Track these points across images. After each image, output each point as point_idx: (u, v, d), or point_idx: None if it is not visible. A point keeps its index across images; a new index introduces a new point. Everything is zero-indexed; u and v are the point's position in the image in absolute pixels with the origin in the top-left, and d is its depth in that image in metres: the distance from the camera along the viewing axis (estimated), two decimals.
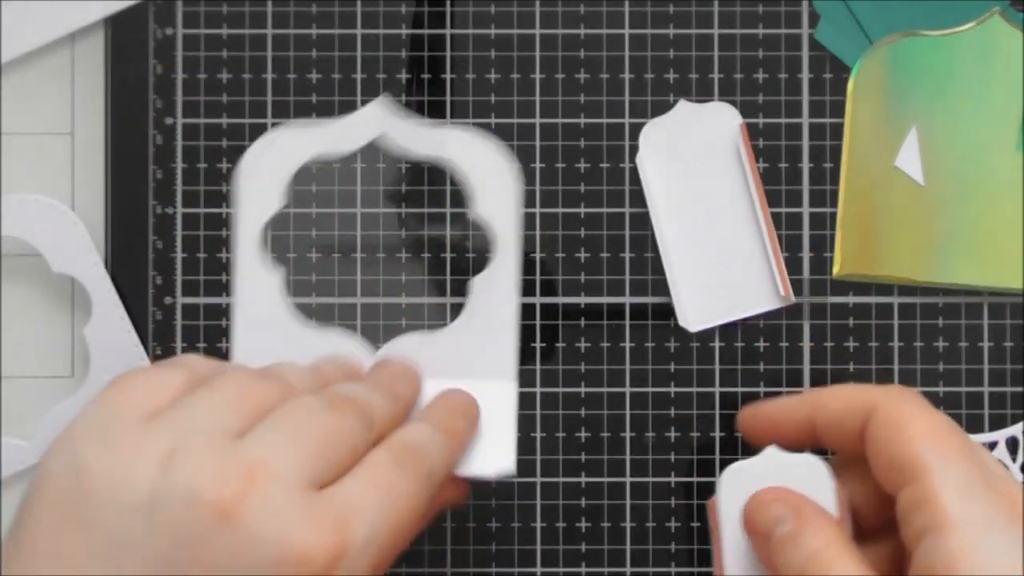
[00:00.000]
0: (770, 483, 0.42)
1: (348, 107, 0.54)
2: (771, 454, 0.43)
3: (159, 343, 0.54)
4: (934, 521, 0.39)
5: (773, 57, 0.54)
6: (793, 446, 0.43)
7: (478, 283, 0.50)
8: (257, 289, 0.49)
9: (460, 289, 0.54)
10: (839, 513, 0.42)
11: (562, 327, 0.54)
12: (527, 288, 0.54)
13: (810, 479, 0.42)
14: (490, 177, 0.50)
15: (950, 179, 0.54)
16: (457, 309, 0.54)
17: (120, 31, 0.54)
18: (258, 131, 0.54)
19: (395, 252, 0.54)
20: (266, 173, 0.49)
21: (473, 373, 0.49)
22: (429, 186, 0.54)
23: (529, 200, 0.54)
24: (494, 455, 0.48)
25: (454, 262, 0.54)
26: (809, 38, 0.54)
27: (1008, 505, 0.39)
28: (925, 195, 0.54)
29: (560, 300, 0.54)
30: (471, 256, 0.54)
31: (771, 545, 0.41)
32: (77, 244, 0.53)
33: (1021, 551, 0.38)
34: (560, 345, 0.54)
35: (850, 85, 0.54)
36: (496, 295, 0.50)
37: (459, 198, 0.53)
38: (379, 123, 0.49)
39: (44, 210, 0.54)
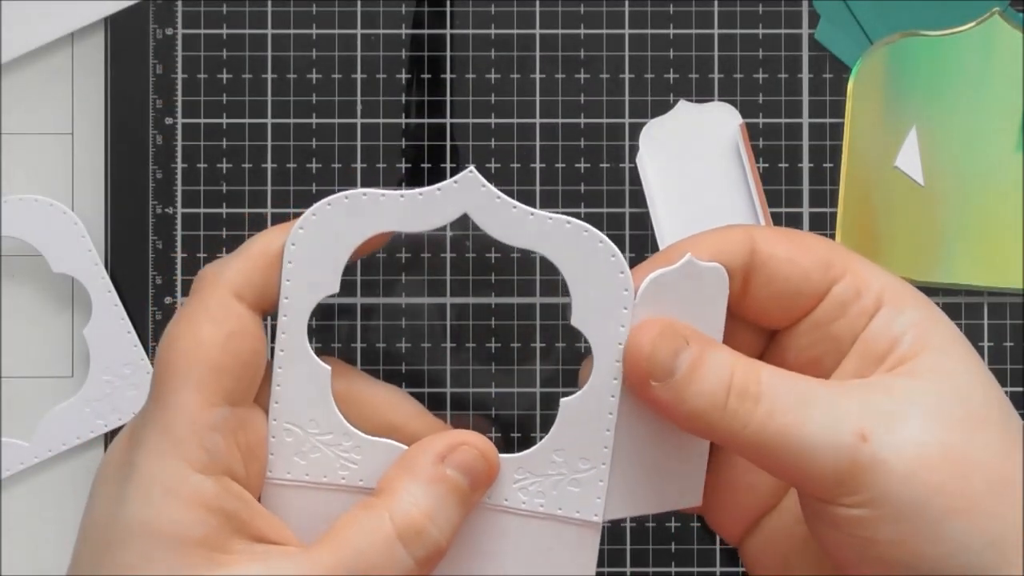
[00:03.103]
0: (685, 291, 0.41)
1: (348, 107, 0.54)
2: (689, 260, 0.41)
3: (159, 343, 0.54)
4: (888, 298, 0.41)
5: (773, 57, 0.54)
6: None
7: (567, 407, 0.41)
8: (302, 390, 0.42)
9: (461, 289, 0.54)
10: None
11: (562, 327, 0.54)
12: (527, 288, 0.54)
13: (716, 288, 0.41)
14: (594, 285, 0.41)
15: (950, 179, 0.54)
16: (457, 309, 0.54)
17: (120, 31, 0.54)
18: (258, 131, 0.54)
19: (395, 252, 0.54)
20: (320, 248, 0.41)
21: (552, 510, 0.42)
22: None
23: (529, 200, 0.54)
24: None
25: (454, 262, 0.54)
26: (809, 38, 0.54)
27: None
28: (925, 195, 0.54)
29: (560, 300, 0.54)
30: (471, 256, 0.54)
31: (674, 383, 0.40)
32: (77, 244, 0.53)
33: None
34: (560, 345, 0.54)
35: (850, 85, 0.54)
36: (588, 427, 0.41)
37: None
38: (463, 202, 0.41)
39: (44, 210, 0.54)
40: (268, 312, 0.42)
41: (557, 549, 0.42)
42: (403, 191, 0.41)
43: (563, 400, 0.41)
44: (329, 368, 0.41)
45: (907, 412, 0.38)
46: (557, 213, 0.41)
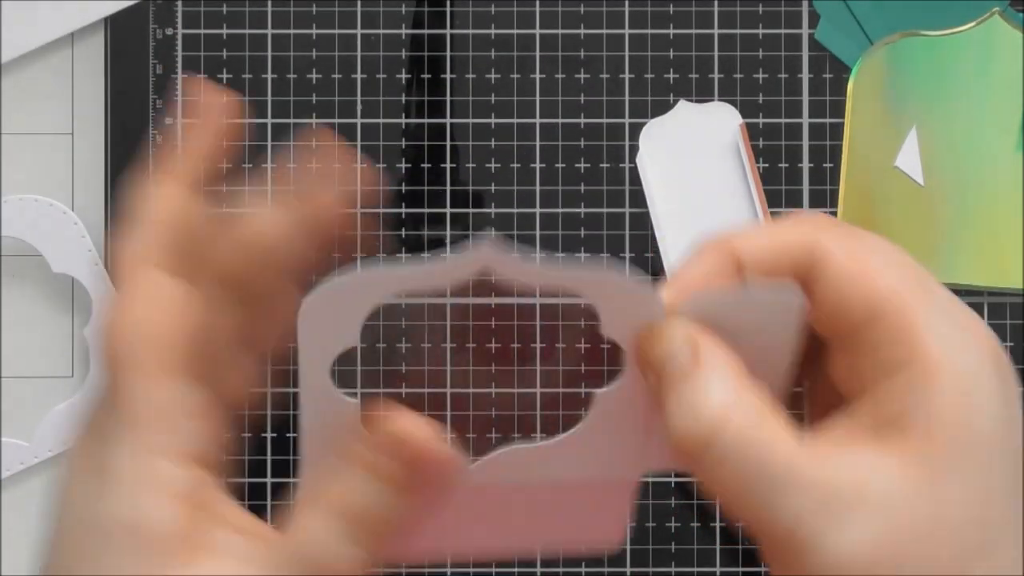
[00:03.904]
0: (734, 315, 0.37)
1: (348, 107, 0.54)
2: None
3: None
4: (916, 359, 0.36)
5: (773, 57, 0.54)
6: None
7: (602, 399, 0.41)
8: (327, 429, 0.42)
9: (461, 289, 0.54)
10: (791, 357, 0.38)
11: (562, 327, 0.54)
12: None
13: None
14: (624, 308, 0.39)
15: (950, 179, 0.54)
16: (457, 309, 0.54)
17: (120, 31, 0.54)
18: (258, 131, 0.54)
19: (395, 253, 0.54)
20: (335, 314, 0.39)
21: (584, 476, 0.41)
22: (429, 186, 0.54)
23: (529, 200, 0.54)
24: None
25: None
26: (809, 38, 0.54)
27: (990, 353, 0.37)
28: (925, 195, 0.54)
29: (560, 300, 0.54)
30: None
31: (662, 380, 0.37)
32: (77, 244, 0.54)
33: (1005, 404, 0.36)
34: (560, 346, 0.54)
35: (850, 85, 0.54)
36: (620, 420, 0.41)
37: (461, 198, 0.53)
38: (481, 265, 0.39)
39: (44, 210, 0.54)
40: (196, 271, 0.40)
41: (587, 515, 0.41)
42: (411, 261, 0.39)
43: (597, 393, 0.40)
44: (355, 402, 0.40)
45: (864, 508, 0.36)
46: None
